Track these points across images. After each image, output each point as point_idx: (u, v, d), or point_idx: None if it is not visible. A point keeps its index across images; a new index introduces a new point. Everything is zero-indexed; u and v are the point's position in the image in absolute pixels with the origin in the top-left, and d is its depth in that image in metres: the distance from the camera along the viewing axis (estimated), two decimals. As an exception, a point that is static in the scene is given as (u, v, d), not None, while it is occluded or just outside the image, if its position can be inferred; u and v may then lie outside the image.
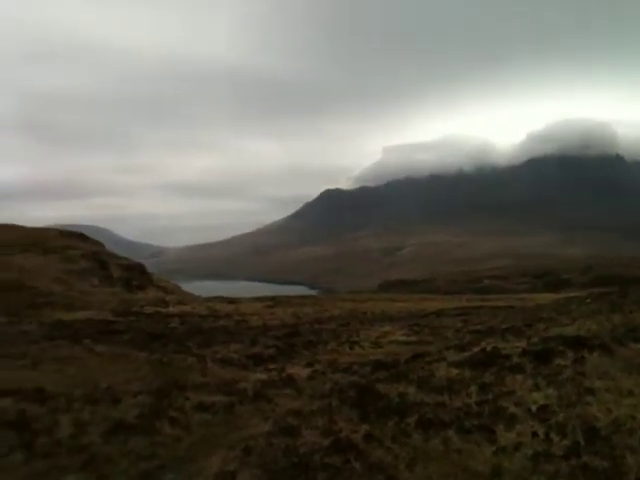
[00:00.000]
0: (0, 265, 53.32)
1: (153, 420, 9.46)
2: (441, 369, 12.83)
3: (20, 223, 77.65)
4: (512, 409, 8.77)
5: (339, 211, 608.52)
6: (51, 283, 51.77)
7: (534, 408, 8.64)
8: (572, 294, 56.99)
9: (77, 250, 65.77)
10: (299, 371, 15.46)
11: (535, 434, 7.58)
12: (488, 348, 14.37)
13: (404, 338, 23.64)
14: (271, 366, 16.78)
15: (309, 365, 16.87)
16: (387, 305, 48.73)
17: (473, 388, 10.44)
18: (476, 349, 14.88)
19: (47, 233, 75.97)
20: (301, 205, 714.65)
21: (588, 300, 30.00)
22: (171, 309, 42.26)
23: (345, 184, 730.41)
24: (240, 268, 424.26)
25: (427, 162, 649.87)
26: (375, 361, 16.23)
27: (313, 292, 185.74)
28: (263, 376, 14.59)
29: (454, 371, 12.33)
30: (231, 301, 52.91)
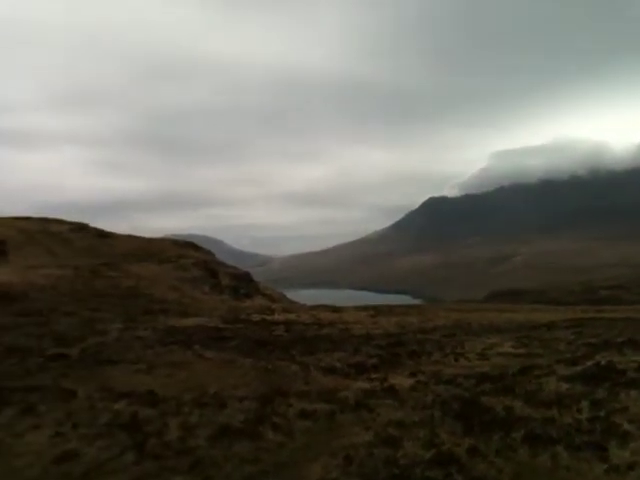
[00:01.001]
0: (120, 273, 56.67)
1: (257, 425, 9.71)
2: (551, 383, 12.35)
3: (138, 233, 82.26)
4: (626, 426, 8.31)
5: (443, 219, 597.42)
6: (166, 291, 54.39)
7: (650, 427, 8.13)
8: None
9: (189, 259, 68.75)
10: (402, 381, 15.31)
11: (651, 454, 7.13)
12: (602, 362, 13.67)
13: (512, 350, 22.84)
14: (373, 375, 16.71)
15: (412, 375, 16.67)
16: (495, 316, 47.30)
17: (584, 403, 9.99)
18: (589, 363, 14.20)
19: (162, 243, 79.99)
20: (405, 213, 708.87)
21: None
22: (276, 317, 43.08)
23: (449, 192, 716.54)
24: (344, 277, 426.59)
25: (537, 167, 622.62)
26: (481, 373, 15.82)
27: (417, 301, 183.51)
28: (365, 385, 14.57)
29: (564, 385, 11.83)
30: (335, 309, 53.19)
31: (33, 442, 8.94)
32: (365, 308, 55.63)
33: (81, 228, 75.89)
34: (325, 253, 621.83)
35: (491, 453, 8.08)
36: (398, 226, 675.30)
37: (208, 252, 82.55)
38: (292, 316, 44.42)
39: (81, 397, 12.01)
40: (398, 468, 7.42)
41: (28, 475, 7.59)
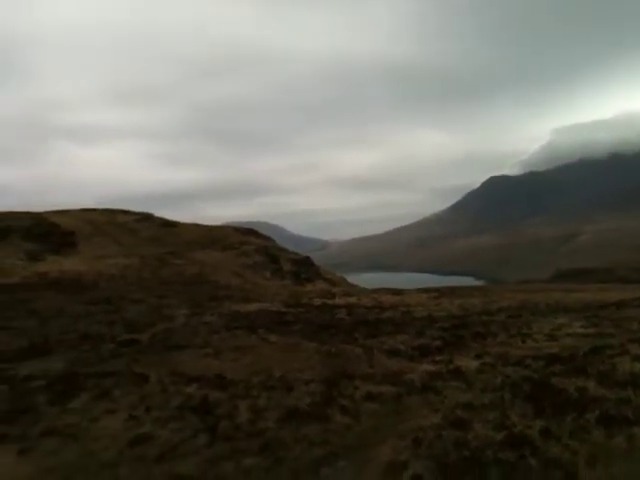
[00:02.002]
0: (185, 261, 58.00)
1: (324, 408, 9.77)
2: (624, 363, 11.95)
3: (201, 222, 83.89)
4: None
5: (505, 199, 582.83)
6: (229, 277, 55.37)
7: None
8: None
9: (251, 246, 69.70)
10: (467, 363, 15.09)
11: None
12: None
13: (582, 330, 22.16)
14: (438, 358, 16.53)
15: (478, 357, 16.40)
16: (562, 296, 46.02)
17: (662, 384, 9.59)
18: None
19: (224, 230, 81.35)
20: (465, 194, 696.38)
21: None
22: (338, 301, 43.20)
23: (511, 170, 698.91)
24: (404, 260, 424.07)
25: (605, 142, 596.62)
26: (550, 354, 15.44)
27: (480, 283, 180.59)
28: (430, 368, 14.44)
29: (639, 365, 11.41)
30: (396, 292, 52.94)
31: (108, 426, 9.26)
32: (426, 290, 55.12)
33: (146, 218, 77.93)
34: (384, 236, 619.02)
35: (565, 435, 7.88)
36: (457, 207, 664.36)
37: (268, 238, 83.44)
38: (353, 300, 44.45)
39: (153, 381, 12.38)
40: (469, 450, 7.33)
41: (104, 458, 7.86)
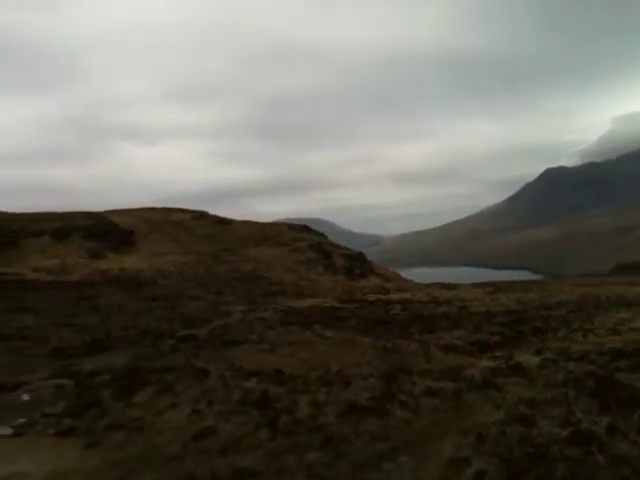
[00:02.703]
0: (239, 258, 58.79)
1: (384, 403, 9.75)
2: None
3: (254, 219, 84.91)
4: None
5: (562, 190, 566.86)
6: (282, 273, 55.84)
7: None
8: None
9: (303, 242, 70.11)
10: (528, 359, 14.80)
11: None
12: None
13: (646, 325, 21.45)
14: (497, 353, 16.26)
15: (538, 353, 16.05)
16: (623, 289, 44.59)
17: None
18: None
19: (277, 227, 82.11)
20: (520, 186, 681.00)
21: None
22: (391, 296, 43.00)
23: (568, 161, 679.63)
24: (457, 254, 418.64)
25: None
26: (614, 349, 15.02)
27: (536, 277, 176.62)
28: (490, 363, 14.22)
29: None
30: (450, 287, 52.34)
31: (172, 420, 9.46)
32: (482, 285, 54.31)
33: (201, 216, 79.35)
34: (437, 230, 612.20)
35: (632, 432, 7.67)
36: (513, 199, 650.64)
37: (321, 234, 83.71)
38: (407, 295, 44.16)
39: (213, 376, 12.59)
40: (533, 446, 7.18)
41: (169, 451, 8.02)
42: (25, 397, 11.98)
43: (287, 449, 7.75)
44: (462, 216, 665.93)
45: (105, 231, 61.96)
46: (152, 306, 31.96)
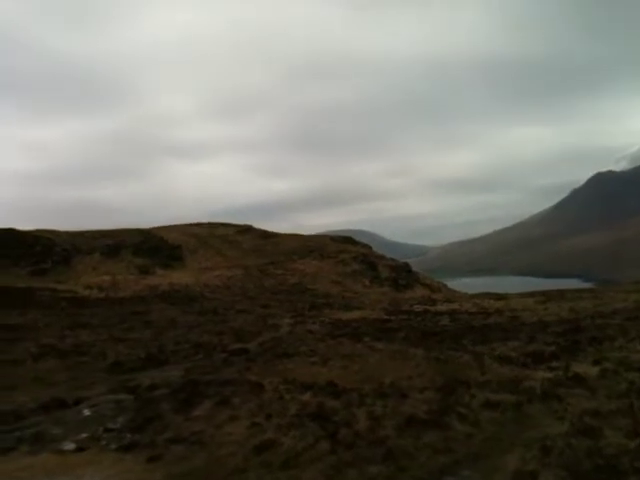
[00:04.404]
0: (285, 271, 59.13)
1: (442, 416, 9.65)
2: None
3: (298, 231, 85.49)
4: None
5: (612, 195, 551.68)
6: (328, 285, 55.90)
7: None
8: None
9: (348, 253, 70.05)
10: (586, 369, 14.43)
11: None
12: None
13: None
14: (554, 364, 15.91)
15: (596, 363, 15.63)
16: (681, 296, 43.09)
17: None
18: None
19: (322, 239, 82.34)
20: (568, 192, 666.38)
21: None
22: (439, 307, 42.60)
23: (617, 165, 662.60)
24: (505, 263, 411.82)
25: None
26: (676, 359, 14.52)
27: (588, 285, 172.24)
28: (547, 374, 13.93)
29: None
30: (499, 297, 51.48)
31: (232, 433, 9.55)
32: (532, 294, 53.21)
33: (247, 230, 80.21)
34: (484, 239, 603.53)
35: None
36: (561, 206, 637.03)
37: (365, 245, 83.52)
38: (455, 305, 43.68)
39: (268, 389, 12.67)
40: (602, 458, 7.01)
41: (232, 464, 8.10)
42: (86, 412, 12.26)
43: (348, 462, 7.74)
44: (509, 224, 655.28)
45: (154, 247, 63.17)
46: (202, 320, 32.41)
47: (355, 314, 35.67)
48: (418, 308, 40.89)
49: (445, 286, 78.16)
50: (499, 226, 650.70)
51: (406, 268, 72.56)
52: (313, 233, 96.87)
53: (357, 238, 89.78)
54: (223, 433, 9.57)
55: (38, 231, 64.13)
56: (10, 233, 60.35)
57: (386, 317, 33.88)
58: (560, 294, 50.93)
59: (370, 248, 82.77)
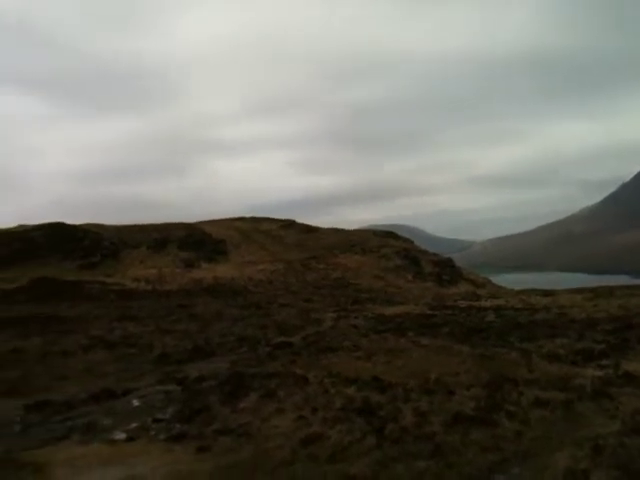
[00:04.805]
0: (327, 265, 59.24)
1: (491, 413, 9.54)
2: None
3: (340, 226, 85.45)
4: None
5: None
6: (371, 280, 55.80)
7: None
8: None
9: (391, 248, 69.78)
10: (637, 368, 14.07)
11: None
12: None
13: None
14: (603, 362, 15.57)
15: (648, 361, 15.25)
16: None
17: None
18: None
19: (364, 234, 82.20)
20: (616, 187, 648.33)
21: None
22: (484, 303, 42.02)
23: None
24: (550, 258, 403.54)
25: None
26: None
27: (637, 281, 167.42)
28: (597, 372, 13.64)
29: None
30: (546, 293, 50.48)
31: (279, 425, 9.64)
32: (580, 290, 52.01)
33: (289, 225, 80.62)
34: (529, 234, 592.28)
35: None
36: (609, 201, 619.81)
37: (407, 240, 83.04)
38: (500, 301, 43.02)
39: (313, 382, 12.74)
40: (657, 458, 6.84)
41: (279, 456, 8.16)
42: (135, 403, 12.53)
43: (395, 457, 7.72)
44: (554, 219, 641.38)
45: (198, 241, 64.12)
46: (246, 314, 32.75)
47: (398, 309, 35.50)
48: (462, 304, 40.44)
49: (490, 282, 77.14)
50: (545, 221, 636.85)
51: (449, 263, 71.88)
52: (355, 228, 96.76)
53: (399, 233, 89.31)
54: (270, 426, 9.66)
55: (87, 225, 65.79)
56: (60, 227, 62.09)
57: (430, 312, 33.63)
58: (609, 291, 49.64)
59: (412, 243, 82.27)
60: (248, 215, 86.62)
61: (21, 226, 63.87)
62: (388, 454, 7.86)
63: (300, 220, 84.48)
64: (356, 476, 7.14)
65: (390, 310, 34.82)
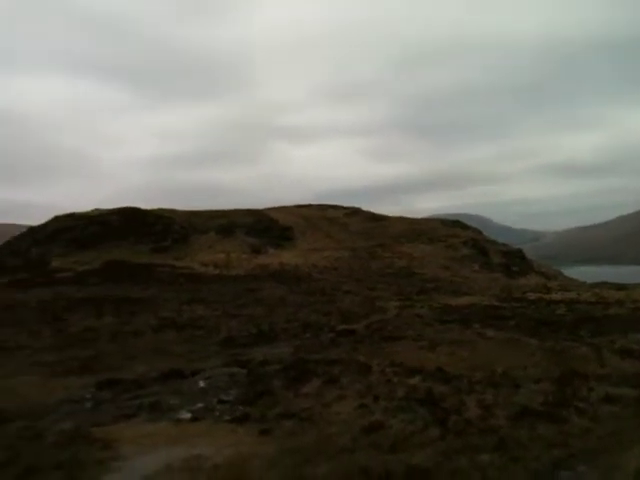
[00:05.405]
0: (393, 254, 58.92)
1: (558, 408, 9.29)
2: None
3: (407, 214, 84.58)
4: None
5: None
6: (437, 270, 55.12)
7: None
8: None
9: (458, 238, 68.67)
10: None
11: None
12: None
13: None
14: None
15: None
16: None
17: None
18: None
19: (430, 223, 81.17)
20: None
21: None
22: (554, 295, 40.82)
23: None
24: (627, 251, 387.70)
25: None
26: None
27: None
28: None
29: None
30: (620, 287, 48.58)
31: (340, 412, 9.66)
32: (660, 285, 49.80)
33: (355, 212, 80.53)
34: (604, 226, 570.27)
35: None
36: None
37: (475, 230, 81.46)
38: (572, 294, 41.70)
39: (376, 371, 12.73)
40: None
41: (340, 443, 8.16)
42: (201, 384, 12.83)
43: (458, 449, 7.59)
44: (631, 210, 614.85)
45: (265, 228, 64.97)
46: (310, 300, 33.00)
47: (464, 300, 34.96)
48: (532, 296, 39.44)
49: (561, 274, 74.97)
50: (622, 212, 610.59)
51: (519, 254, 70.18)
52: (422, 217, 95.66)
53: (467, 222, 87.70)
54: (331, 412, 9.70)
55: (159, 210, 67.68)
56: (134, 212, 64.20)
57: (497, 304, 32.98)
58: (690, 286, 47.37)
59: (480, 233, 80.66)
60: (314, 202, 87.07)
61: (97, 210, 66.24)
62: (451, 446, 7.73)
63: (366, 208, 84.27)
64: (419, 466, 7.06)
65: (456, 301, 34.34)
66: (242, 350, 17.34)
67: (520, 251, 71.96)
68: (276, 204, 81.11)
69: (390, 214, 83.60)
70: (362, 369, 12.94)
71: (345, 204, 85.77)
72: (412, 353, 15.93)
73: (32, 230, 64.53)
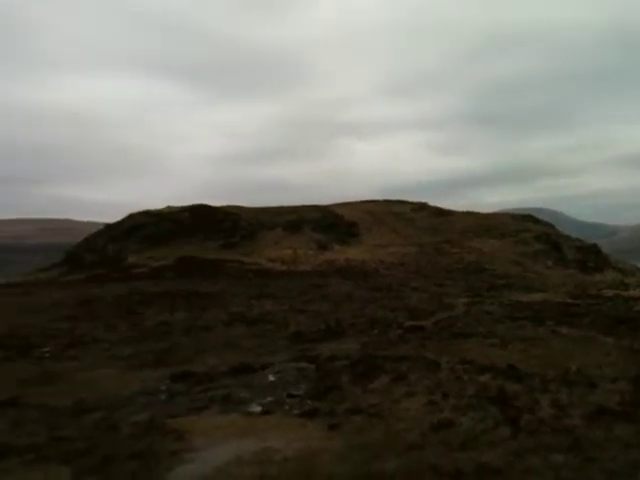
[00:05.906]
0: (461, 249, 58.00)
1: (636, 408, 8.94)
2: None
3: (474, 209, 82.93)
4: None
5: None
6: (507, 265, 53.91)
7: None
8: None
9: (529, 233, 66.90)
10: None
11: None
12: None
13: None
14: None
15: None
16: None
17: None
18: None
19: (500, 217, 79.35)
20: None
21: None
22: (632, 292, 39.21)
23: None
24: None
25: None
26: None
27: None
28: None
29: None
30: None
31: (409, 408, 9.62)
32: None
33: (421, 207, 79.60)
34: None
35: None
36: None
37: (548, 224, 79.07)
38: (652, 291, 39.94)
39: (445, 368, 12.59)
40: None
41: (409, 439, 8.13)
42: (271, 378, 13.04)
43: (531, 449, 7.43)
44: None
45: (331, 223, 65.22)
46: (377, 296, 32.88)
47: (537, 296, 34.03)
48: (608, 292, 37.98)
49: (639, 270, 71.89)
50: None
51: (594, 249, 67.65)
52: (490, 211, 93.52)
53: (538, 216, 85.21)
54: (400, 408, 9.67)
55: (227, 207, 69.04)
56: (204, 209, 65.78)
57: (571, 301, 31.93)
58: None
59: (553, 227, 78.23)
60: (380, 197, 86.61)
61: (169, 207, 68.22)
62: (523, 445, 7.58)
63: (433, 203, 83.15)
64: (489, 465, 6.95)
65: (528, 297, 33.47)
66: (310, 345, 17.46)
67: (595, 246, 69.37)
68: (342, 200, 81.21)
69: (456, 209, 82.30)
70: (431, 366, 12.82)
71: (410, 199, 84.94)
72: (482, 350, 15.65)
73: (108, 227, 67.31)
